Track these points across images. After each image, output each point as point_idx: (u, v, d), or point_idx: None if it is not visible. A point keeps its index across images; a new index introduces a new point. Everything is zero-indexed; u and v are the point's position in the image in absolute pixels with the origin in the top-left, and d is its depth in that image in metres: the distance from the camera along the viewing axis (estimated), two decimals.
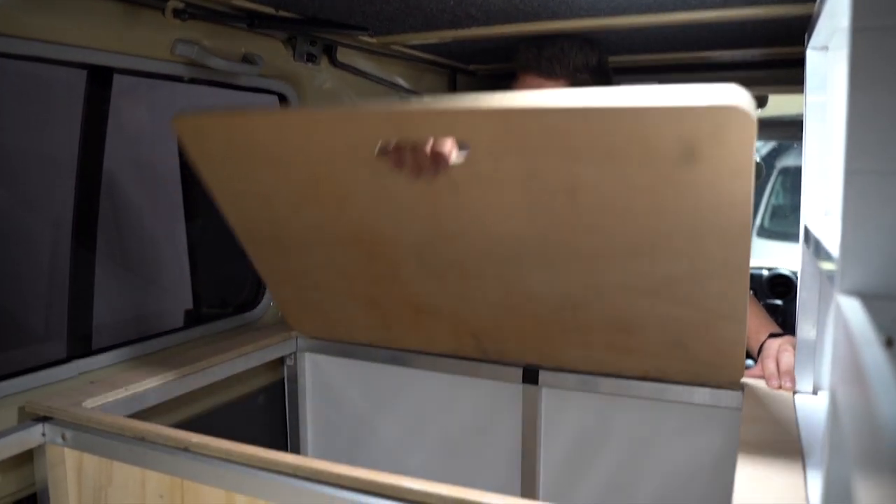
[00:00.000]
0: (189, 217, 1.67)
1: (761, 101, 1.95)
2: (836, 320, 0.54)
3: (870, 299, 0.54)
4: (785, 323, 2.09)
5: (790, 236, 3.87)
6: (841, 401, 0.51)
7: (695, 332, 1.05)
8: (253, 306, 1.55)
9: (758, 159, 2.57)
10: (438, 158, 0.93)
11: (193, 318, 1.67)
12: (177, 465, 0.89)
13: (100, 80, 1.19)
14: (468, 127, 0.87)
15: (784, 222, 4.62)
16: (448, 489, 0.74)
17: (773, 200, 4.91)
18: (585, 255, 0.99)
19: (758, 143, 0.85)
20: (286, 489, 0.82)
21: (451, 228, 1.04)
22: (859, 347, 0.43)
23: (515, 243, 1.01)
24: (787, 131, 2.46)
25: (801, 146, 1.13)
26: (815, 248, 0.89)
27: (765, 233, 4.65)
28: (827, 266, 0.77)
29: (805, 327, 1.05)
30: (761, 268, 2.42)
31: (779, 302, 2.34)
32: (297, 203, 1.11)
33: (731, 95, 0.71)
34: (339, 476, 0.79)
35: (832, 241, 0.76)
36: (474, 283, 1.13)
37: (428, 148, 0.94)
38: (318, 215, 1.12)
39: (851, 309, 0.52)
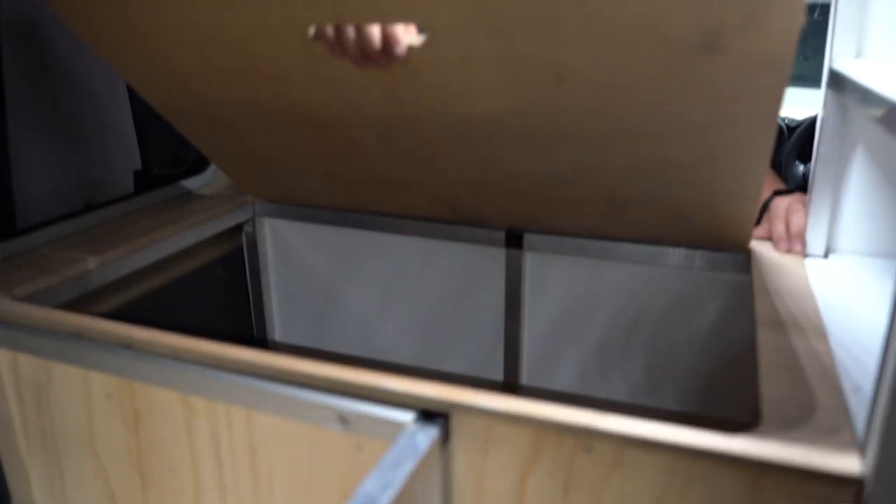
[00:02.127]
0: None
1: None
2: None
3: None
4: None
5: None
6: None
7: (700, 210, 0.94)
8: (200, 171, 1.39)
9: None
10: (389, 43, 0.74)
11: (139, 185, 1.52)
12: (121, 365, 0.77)
13: None
14: (423, 7, 0.67)
15: None
16: (434, 389, 0.64)
17: None
18: (576, 139, 0.84)
19: None
20: (249, 391, 0.71)
21: (414, 110, 0.87)
22: None
23: (491, 124, 0.85)
24: None
25: None
26: (853, 92, 0.76)
27: None
28: (877, 111, 0.65)
29: (822, 185, 0.94)
30: None
31: None
32: (224, 84, 0.92)
33: None
34: (306, 376, 0.69)
35: (886, 83, 0.64)
36: (446, 160, 0.98)
37: (375, 30, 0.74)
38: (252, 95, 0.94)
39: None
